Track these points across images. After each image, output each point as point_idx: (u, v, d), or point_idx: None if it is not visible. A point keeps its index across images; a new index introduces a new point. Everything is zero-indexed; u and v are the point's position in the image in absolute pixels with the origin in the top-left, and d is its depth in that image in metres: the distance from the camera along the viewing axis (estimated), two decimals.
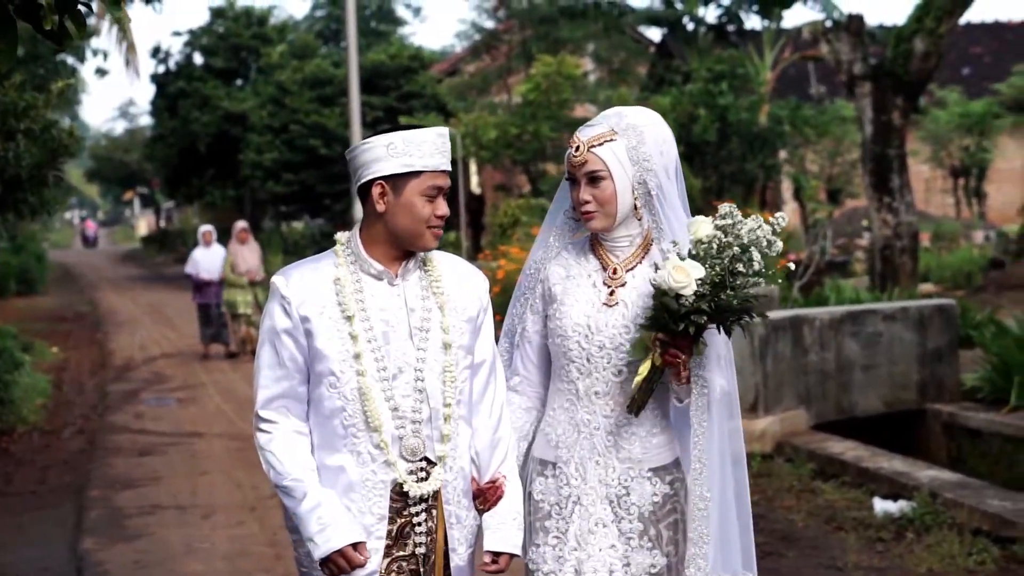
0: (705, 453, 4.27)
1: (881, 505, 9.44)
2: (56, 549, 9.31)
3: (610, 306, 4.27)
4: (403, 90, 38.75)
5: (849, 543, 8.74)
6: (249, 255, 19.90)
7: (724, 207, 4.11)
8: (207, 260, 20.46)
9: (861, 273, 24.41)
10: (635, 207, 4.26)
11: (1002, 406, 11.76)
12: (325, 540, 3.89)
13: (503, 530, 4.17)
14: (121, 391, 17.30)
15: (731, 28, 32.59)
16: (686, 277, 3.97)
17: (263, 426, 4.03)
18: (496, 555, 4.15)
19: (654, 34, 38.92)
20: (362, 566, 3.93)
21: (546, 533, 4.33)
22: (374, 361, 3.97)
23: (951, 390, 12.47)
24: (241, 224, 20.63)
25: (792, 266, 4.52)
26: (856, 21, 19.51)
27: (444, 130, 4.03)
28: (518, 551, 4.21)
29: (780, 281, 4.17)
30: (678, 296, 3.98)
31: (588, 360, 4.27)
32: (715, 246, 4.03)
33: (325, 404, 3.99)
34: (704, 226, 4.09)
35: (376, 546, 3.98)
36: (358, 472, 3.98)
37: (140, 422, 14.73)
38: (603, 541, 4.25)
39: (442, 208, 4.00)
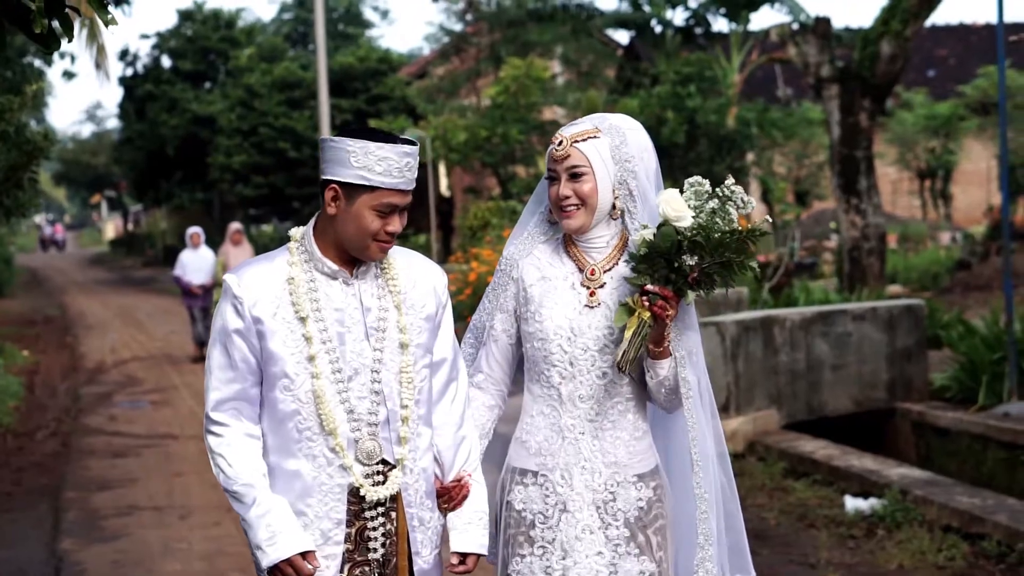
0: (701, 455, 4.22)
1: (852, 503, 9.54)
2: (33, 550, 9.32)
3: (592, 307, 4.21)
4: (372, 93, 38.84)
5: (821, 540, 8.84)
6: (242, 257, 19.76)
7: (694, 179, 4.07)
8: (194, 263, 20.28)
9: (829, 275, 24.57)
10: (614, 206, 4.22)
11: (970, 405, 11.89)
12: (274, 548, 3.82)
13: (470, 531, 4.12)
14: (94, 394, 17.28)
15: (699, 31, 32.67)
16: (682, 207, 3.94)
17: (214, 428, 3.94)
18: (463, 556, 4.10)
19: (622, 37, 39.08)
20: (310, 575, 3.86)
21: (531, 543, 4.25)
22: (329, 363, 3.90)
23: (920, 389, 12.59)
24: (235, 226, 20.52)
25: (769, 219, 4.39)
26: (823, 24, 19.66)
27: (412, 149, 3.90)
28: (484, 551, 4.16)
29: (760, 236, 4.04)
30: (676, 229, 3.94)
31: (571, 364, 4.22)
32: (691, 205, 3.98)
33: (279, 407, 3.92)
34: (673, 193, 4.01)
35: (335, 551, 3.92)
36: (314, 476, 3.90)
37: (114, 424, 14.74)
38: (590, 548, 4.18)
39: (394, 225, 3.89)
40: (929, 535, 8.60)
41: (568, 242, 4.32)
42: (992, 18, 44.22)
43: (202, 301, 20.05)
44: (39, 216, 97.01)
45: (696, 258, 3.95)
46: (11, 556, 9.17)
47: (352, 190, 3.84)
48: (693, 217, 3.95)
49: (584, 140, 4.19)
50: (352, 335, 3.93)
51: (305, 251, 3.97)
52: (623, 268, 4.23)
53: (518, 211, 22.68)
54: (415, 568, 4.04)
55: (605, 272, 4.24)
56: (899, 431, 12.38)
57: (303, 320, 3.89)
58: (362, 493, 3.90)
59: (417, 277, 4.10)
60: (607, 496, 4.21)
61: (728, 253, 3.97)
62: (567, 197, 4.18)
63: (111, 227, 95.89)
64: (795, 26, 26.06)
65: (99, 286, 43.16)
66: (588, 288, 4.23)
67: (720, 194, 3.99)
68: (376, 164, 3.81)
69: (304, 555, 3.84)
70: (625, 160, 4.21)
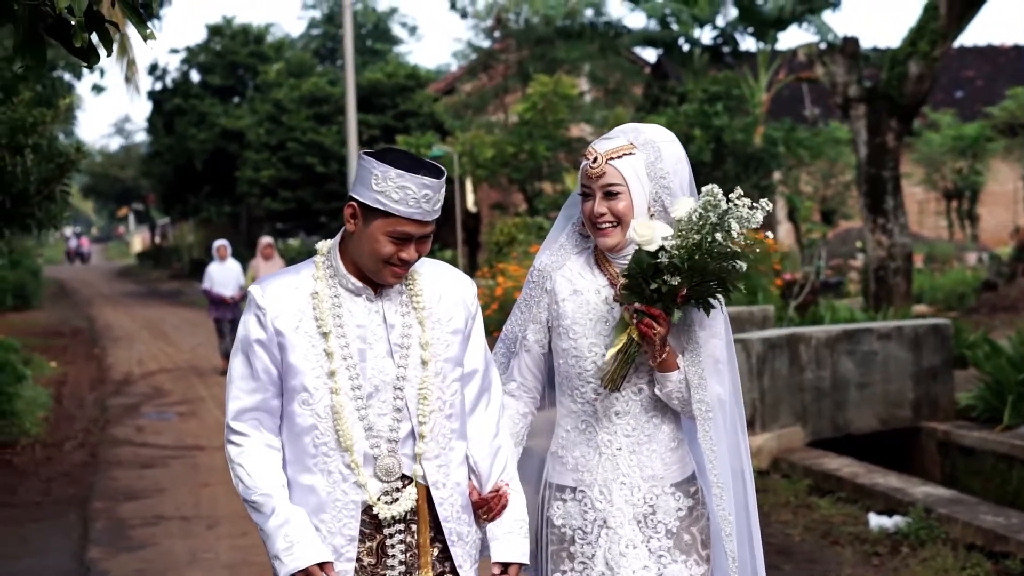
0: (721, 475, 4.17)
1: (876, 520, 9.55)
2: (61, 559, 9.40)
3: None
4: (400, 109, 38.96)
5: (845, 557, 8.86)
6: (271, 269, 19.77)
7: (708, 187, 4.00)
8: (221, 275, 20.36)
9: (855, 294, 24.56)
10: None
11: (995, 425, 11.89)
12: (291, 558, 3.78)
13: (511, 540, 4.04)
14: (121, 405, 17.38)
15: (726, 49, 32.74)
16: (650, 232, 3.92)
17: (233, 439, 3.92)
18: (505, 566, 4.02)
19: (650, 55, 39.21)
20: None
21: (571, 559, 4.21)
22: (348, 379, 3.85)
23: (945, 408, 12.59)
24: (266, 240, 20.61)
25: (770, 235, 4.36)
26: (851, 44, 19.68)
27: (433, 182, 3.79)
28: (527, 560, 4.07)
29: (756, 253, 4.03)
30: (648, 253, 3.92)
31: None
32: (695, 219, 3.93)
33: (297, 421, 3.87)
34: (687, 203, 3.99)
35: (346, 568, 3.86)
36: (328, 492, 3.86)
37: (141, 435, 14.83)
38: (635, 563, 4.13)
39: (409, 253, 3.82)
40: (953, 553, 8.61)
41: (600, 255, 4.25)
42: (1020, 40, 44.23)
43: (231, 313, 20.06)
44: (69, 229, 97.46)
45: (679, 278, 3.90)
46: (40, 564, 9.25)
47: (369, 212, 3.80)
48: (676, 236, 3.92)
49: (619, 157, 4.11)
50: (374, 352, 3.89)
51: (331, 266, 3.94)
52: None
53: (545, 227, 22.75)
54: None
55: None
56: (924, 450, 12.38)
57: (325, 335, 3.86)
58: (375, 511, 3.86)
59: (443, 290, 4.03)
60: (647, 509, 4.17)
61: (715, 273, 3.94)
62: (602, 215, 4.11)
63: (138, 240, 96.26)
64: (823, 46, 26.15)
65: (126, 298, 43.31)
66: (622, 304, 4.13)
67: (723, 206, 3.94)
68: (394, 191, 3.75)
69: (322, 566, 3.81)
70: (660, 176, 4.13)
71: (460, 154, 28.62)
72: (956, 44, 24.08)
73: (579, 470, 4.22)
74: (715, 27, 32.32)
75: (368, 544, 3.89)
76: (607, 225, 4.12)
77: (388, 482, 3.87)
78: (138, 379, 20.39)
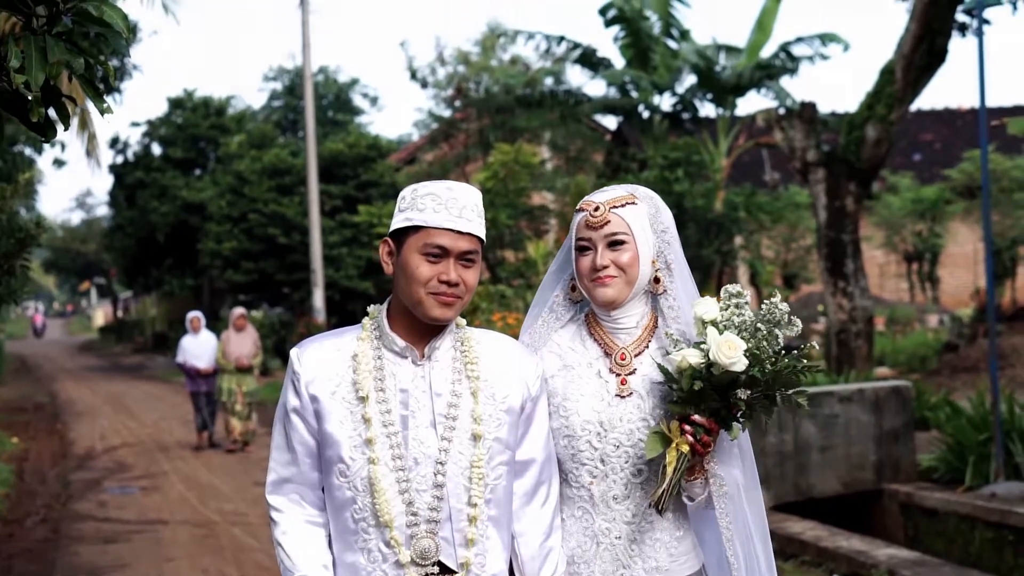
0: (737, 555, 3.87)
1: None
2: None
3: (623, 397, 3.83)
4: (361, 179, 38.96)
5: None
6: (243, 342, 19.66)
7: (731, 287, 3.76)
8: (195, 347, 20.17)
9: (817, 357, 24.60)
10: (657, 280, 3.90)
11: (957, 486, 11.93)
12: None
13: None
14: (83, 480, 17.24)
15: (686, 116, 32.89)
16: (734, 351, 3.58)
17: (272, 514, 3.70)
18: None
19: (610, 122, 39.34)
20: None
21: None
22: (389, 448, 3.55)
23: (907, 470, 12.63)
24: (239, 311, 20.38)
25: (816, 345, 3.88)
26: (809, 109, 19.85)
27: (459, 186, 3.60)
28: None
29: (810, 368, 3.70)
30: (730, 375, 3.61)
31: (602, 461, 3.82)
32: (734, 322, 3.67)
33: (336, 494, 3.59)
34: (712, 307, 3.72)
35: None
36: (368, 572, 3.56)
37: (104, 510, 14.71)
38: None
39: (449, 273, 3.53)
40: None
41: (592, 323, 3.97)
42: (976, 102, 44.62)
43: (206, 386, 19.95)
44: (32, 304, 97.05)
45: (748, 392, 3.64)
46: None
47: (401, 238, 3.58)
48: (746, 352, 3.61)
49: (623, 206, 3.86)
50: (416, 421, 3.58)
51: (377, 327, 3.68)
52: (655, 350, 3.90)
53: (507, 295, 22.76)
54: None
55: (636, 356, 3.89)
56: (887, 512, 12.41)
57: (363, 400, 3.58)
58: None
59: (503, 364, 3.73)
60: None
61: (780, 385, 3.67)
62: (605, 267, 3.81)
63: (101, 314, 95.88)
64: (781, 111, 26.28)
65: (89, 373, 43.09)
66: (618, 375, 3.87)
67: (769, 317, 3.70)
68: (420, 201, 3.55)
69: None
70: (662, 230, 3.92)
71: None
72: (913, 107, 24.29)
73: (576, 562, 3.86)
74: (674, 94, 32.47)
75: None
76: (609, 277, 3.83)
77: (423, 566, 3.54)
78: (100, 454, 20.22)
